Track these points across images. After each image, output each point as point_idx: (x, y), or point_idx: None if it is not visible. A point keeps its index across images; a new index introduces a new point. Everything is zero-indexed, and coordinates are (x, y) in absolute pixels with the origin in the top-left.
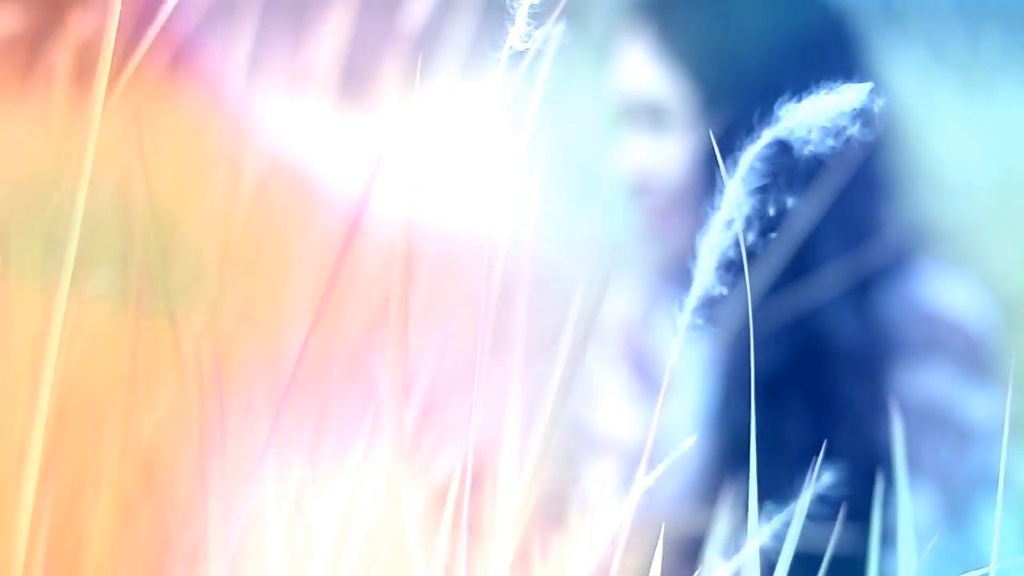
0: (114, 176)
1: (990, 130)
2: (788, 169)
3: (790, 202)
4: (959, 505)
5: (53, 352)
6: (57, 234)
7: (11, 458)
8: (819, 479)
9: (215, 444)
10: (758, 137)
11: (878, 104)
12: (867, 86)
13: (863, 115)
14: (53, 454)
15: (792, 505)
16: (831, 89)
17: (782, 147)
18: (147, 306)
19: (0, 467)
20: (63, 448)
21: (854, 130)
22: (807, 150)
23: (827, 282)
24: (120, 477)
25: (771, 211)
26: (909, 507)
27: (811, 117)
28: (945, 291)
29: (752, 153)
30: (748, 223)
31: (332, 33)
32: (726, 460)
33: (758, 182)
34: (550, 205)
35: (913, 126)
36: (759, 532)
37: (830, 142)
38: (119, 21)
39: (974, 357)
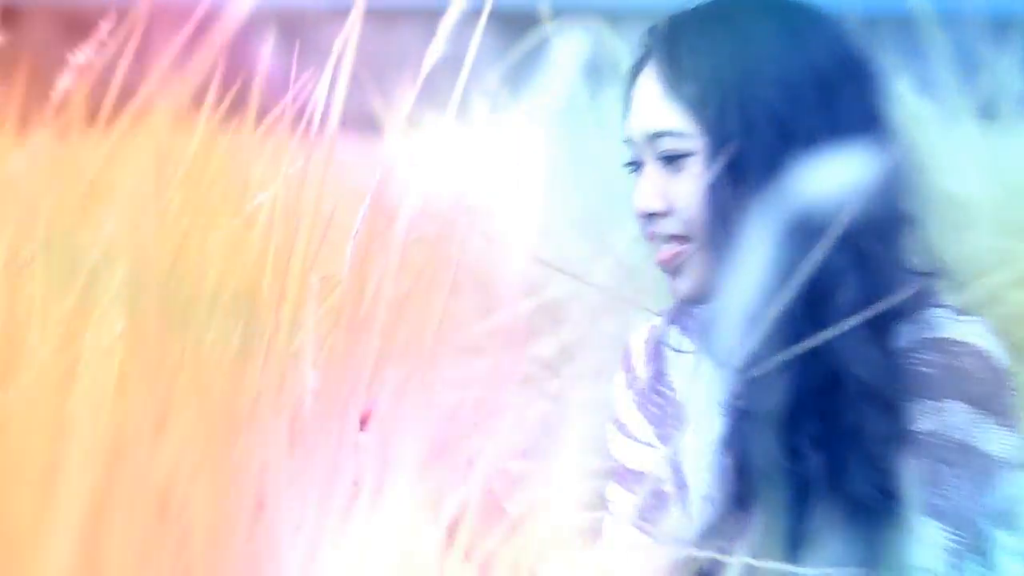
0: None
1: (1004, 162)
2: (803, 213)
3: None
4: (977, 542)
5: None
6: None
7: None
8: (835, 515)
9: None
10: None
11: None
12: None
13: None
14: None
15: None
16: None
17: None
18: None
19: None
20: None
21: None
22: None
23: (844, 317)
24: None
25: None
26: (927, 543)
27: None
28: (961, 327)
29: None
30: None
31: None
32: (742, 494)
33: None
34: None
35: (928, 161)
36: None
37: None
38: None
39: (991, 393)
